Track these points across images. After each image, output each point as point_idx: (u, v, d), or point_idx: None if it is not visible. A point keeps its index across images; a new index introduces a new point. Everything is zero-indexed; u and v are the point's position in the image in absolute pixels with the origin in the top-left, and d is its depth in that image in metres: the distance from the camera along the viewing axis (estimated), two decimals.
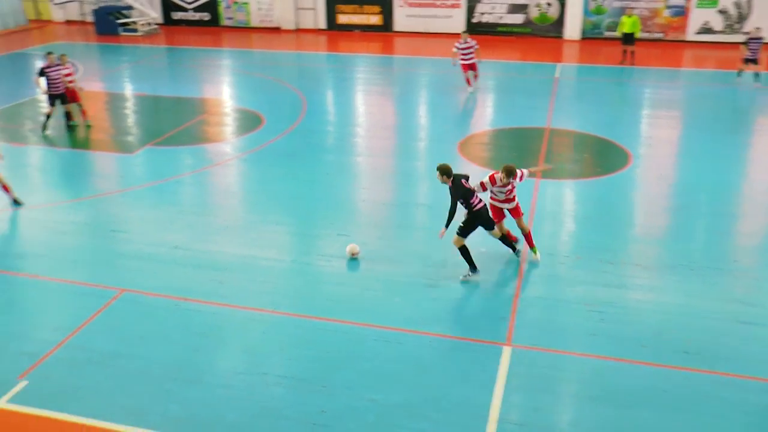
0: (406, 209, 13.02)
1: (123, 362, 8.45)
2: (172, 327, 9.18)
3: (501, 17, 30.44)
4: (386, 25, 31.96)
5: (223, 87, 23.41)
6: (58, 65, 17.43)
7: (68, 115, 18.05)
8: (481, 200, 10.12)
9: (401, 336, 8.91)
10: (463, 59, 20.41)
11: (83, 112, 18.22)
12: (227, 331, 9.17)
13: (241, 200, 13.81)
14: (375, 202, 13.27)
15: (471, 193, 10.00)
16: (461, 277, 10.22)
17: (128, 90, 22.88)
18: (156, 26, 33.66)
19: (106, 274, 10.57)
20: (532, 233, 10.86)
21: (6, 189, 13.08)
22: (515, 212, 10.65)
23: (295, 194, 13.54)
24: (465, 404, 7.66)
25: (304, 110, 19.43)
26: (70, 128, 17.98)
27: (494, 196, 10.57)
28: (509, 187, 10.32)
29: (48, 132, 17.71)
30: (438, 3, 30.91)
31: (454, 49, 20.41)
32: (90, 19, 35.11)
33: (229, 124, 18.82)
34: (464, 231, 10.12)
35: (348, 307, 9.60)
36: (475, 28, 30.48)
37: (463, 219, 10.13)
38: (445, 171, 9.95)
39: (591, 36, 29.36)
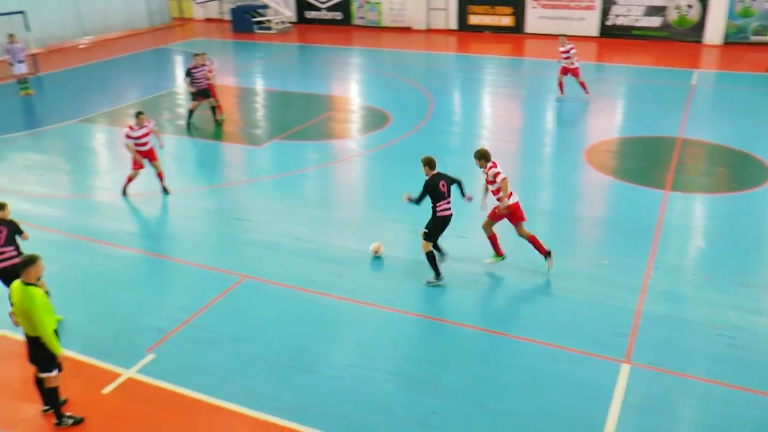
0: (528, 215, 12.81)
1: (242, 345, 8.87)
2: (290, 315, 9.53)
3: (637, 20, 29.43)
4: (518, 27, 31.64)
5: (351, 85, 23.96)
6: (202, 66, 18.36)
7: (214, 110, 18.97)
8: (448, 209, 10.07)
9: (517, 344, 8.83)
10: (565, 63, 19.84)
11: (218, 107, 19.12)
12: (343, 323, 9.42)
13: (364, 197, 14.11)
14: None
15: (441, 196, 9.95)
16: (425, 282, 10.18)
17: (259, 85, 23.86)
18: (289, 25, 34.90)
19: (230, 260, 11.11)
20: (539, 239, 10.45)
21: (160, 176, 13.98)
22: (514, 218, 10.30)
23: (416, 193, 13.63)
24: (578, 419, 7.50)
25: (431, 110, 19.58)
26: (217, 123, 18.87)
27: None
28: (489, 177, 10.23)
29: (191, 124, 18.71)
30: (572, 5, 30.28)
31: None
32: (228, 17, 36.86)
33: (355, 121, 19.24)
34: (429, 236, 10.09)
35: (464, 310, 9.61)
36: (609, 31, 29.67)
37: (427, 223, 10.10)
38: (427, 163, 10.04)
39: (735, 41, 27.85)
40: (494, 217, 10.43)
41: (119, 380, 8.26)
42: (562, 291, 10.02)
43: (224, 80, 23.65)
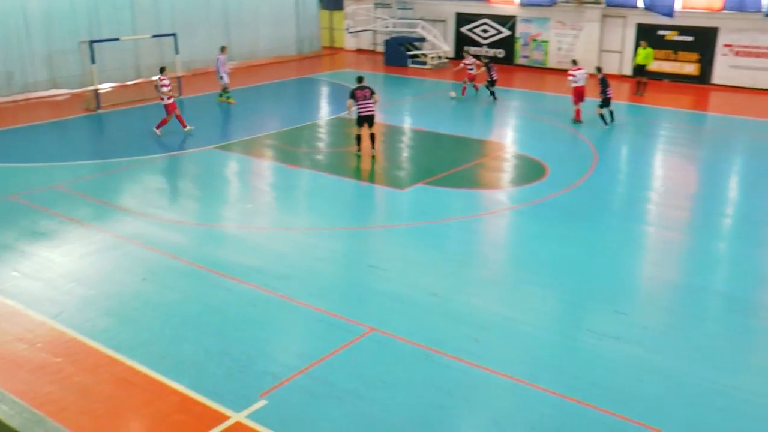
0: (699, 295, 12.16)
1: (362, 404, 8.86)
2: (417, 378, 9.44)
3: None
4: (703, 76, 30.61)
5: (507, 130, 23.95)
6: (372, 92, 19.45)
7: (373, 137, 19.66)
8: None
9: None
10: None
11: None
12: (476, 394, 9.21)
13: (510, 255, 13.91)
14: (664, 282, 12.59)
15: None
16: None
17: (407, 124, 24.34)
18: (446, 60, 35.54)
19: (357, 309, 11.21)
20: None
21: (180, 118, 15.27)
22: None
23: (570, 258, 13.32)
24: None
25: (594, 165, 19.16)
26: (373, 157, 19.60)
27: None
28: None
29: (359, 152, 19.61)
30: None
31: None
32: (380, 48, 38.09)
33: (508, 170, 19.16)
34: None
35: (617, 397, 9.15)
36: None
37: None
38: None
39: None
40: None
41: (227, 423, 8.45)
42: (732, 390, 9.32)
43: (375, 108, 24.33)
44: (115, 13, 29.38)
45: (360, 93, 19.15)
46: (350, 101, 19.28)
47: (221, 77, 26.16)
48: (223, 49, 26.56)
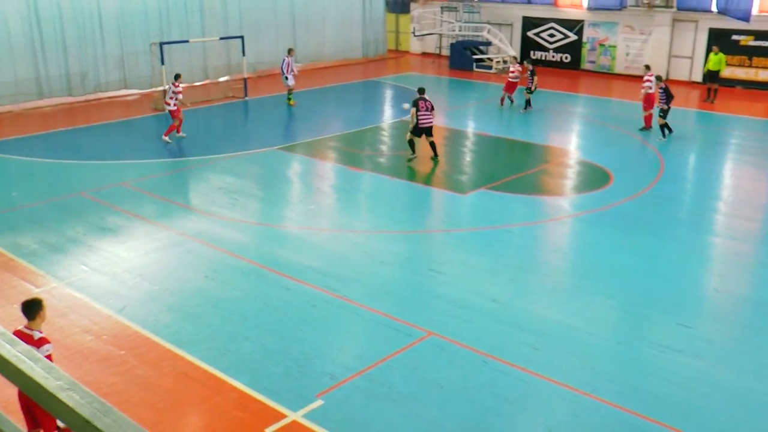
0: (767, 310, 11.86)
1: (418, 407, 8.88)
2: (475, 383, 9.42)
3: None
4: None
5: (571, 136, 23.69)
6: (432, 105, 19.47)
7: (433, 145, 19.61)
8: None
9: None
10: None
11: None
12: (533, 403, 9.15)
13: (572, 263, 13.76)
14: (730, 295, 12.29)
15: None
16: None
17: (470, 128, 24.26)
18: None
19: (416, 313, 11.23)
20: None
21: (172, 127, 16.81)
22: None
23: (633, 267, 13.11)
24: None
25: (661, 173, 18.81)
26: (433, 160, 19.54)
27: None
28: None
29: (411, 161, 19.55)
30: None
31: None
32: (446, 52, 38.07)
33: (571, 177, 18.95)
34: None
35: (678, 411, 8.97)
36: None
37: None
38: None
39: None
40: None
41: (284, 421, 8.58)
42: None
43: (434, 120, 24.30)
44: (185, 16, 30.01)
45: (422, 104, 19.18)
46: (413, 110, 19.32)
47: (286, 78, 26.47)
48: (290, 52, 26.96)
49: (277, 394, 9.09)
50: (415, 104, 19.26)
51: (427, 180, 18.50)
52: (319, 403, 8.92)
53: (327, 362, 9.87)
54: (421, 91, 19.78)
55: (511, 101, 26.48)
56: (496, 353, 10.08)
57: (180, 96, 21.34)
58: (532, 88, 25.35)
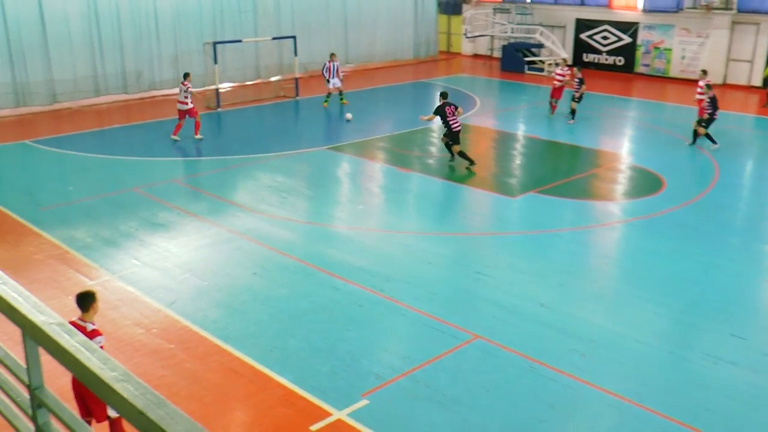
0: None
1: (463, 410, 8.86)
2: (520, 388, 9.36)
3: None
4: None
5: (623, 140, 23.36)
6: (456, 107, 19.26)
7: (451, 152, 19.49)
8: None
9: None
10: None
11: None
12: (579, 410, 9.06)
13: (622, 269, 13.57)
14: None
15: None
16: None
17: (521, 131, 24.10)
18: None
19: (463, 316, 11.20)
20: None
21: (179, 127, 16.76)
22: None
23: (685, 275, 12.89)
24: None
25: (716, 179, 18.45)
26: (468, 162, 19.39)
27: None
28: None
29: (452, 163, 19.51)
30: None
31: None
32: (497, 54, 37.88)
33: (623, 182, 18.70)
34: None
35: (730, 425, 8.79)
36: None
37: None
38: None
39: None
40: None
41: (329, 419, 8.63)
42: None
43: (484, 122, 24.24)
44: (238, 16, 30.40)
45: (448, 109, 18.98)
46: (432, 116, 19.26)
47: (328, 81, 26.39)
48: (332, 56, 26.83)
49: (322, 392, 9.15)
50: (441, 111, 19.01)
51: (476, 183, 18.41)
52: (364, 402, 8.95)
53: (373, 362, 9.90)
54: (444, 95, 19.47)
55: (553, 108, 25.41)
56: (543, 359, 10.00)
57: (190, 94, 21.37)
58: (578, 96, 24.19)
